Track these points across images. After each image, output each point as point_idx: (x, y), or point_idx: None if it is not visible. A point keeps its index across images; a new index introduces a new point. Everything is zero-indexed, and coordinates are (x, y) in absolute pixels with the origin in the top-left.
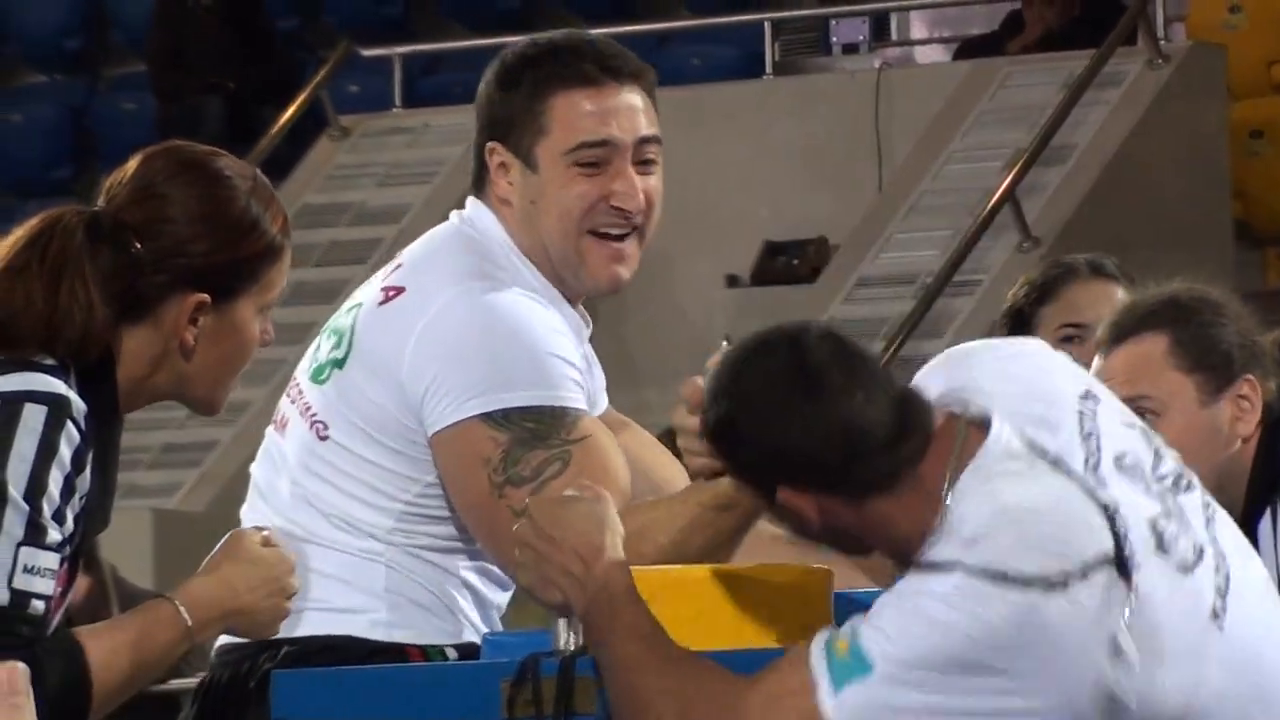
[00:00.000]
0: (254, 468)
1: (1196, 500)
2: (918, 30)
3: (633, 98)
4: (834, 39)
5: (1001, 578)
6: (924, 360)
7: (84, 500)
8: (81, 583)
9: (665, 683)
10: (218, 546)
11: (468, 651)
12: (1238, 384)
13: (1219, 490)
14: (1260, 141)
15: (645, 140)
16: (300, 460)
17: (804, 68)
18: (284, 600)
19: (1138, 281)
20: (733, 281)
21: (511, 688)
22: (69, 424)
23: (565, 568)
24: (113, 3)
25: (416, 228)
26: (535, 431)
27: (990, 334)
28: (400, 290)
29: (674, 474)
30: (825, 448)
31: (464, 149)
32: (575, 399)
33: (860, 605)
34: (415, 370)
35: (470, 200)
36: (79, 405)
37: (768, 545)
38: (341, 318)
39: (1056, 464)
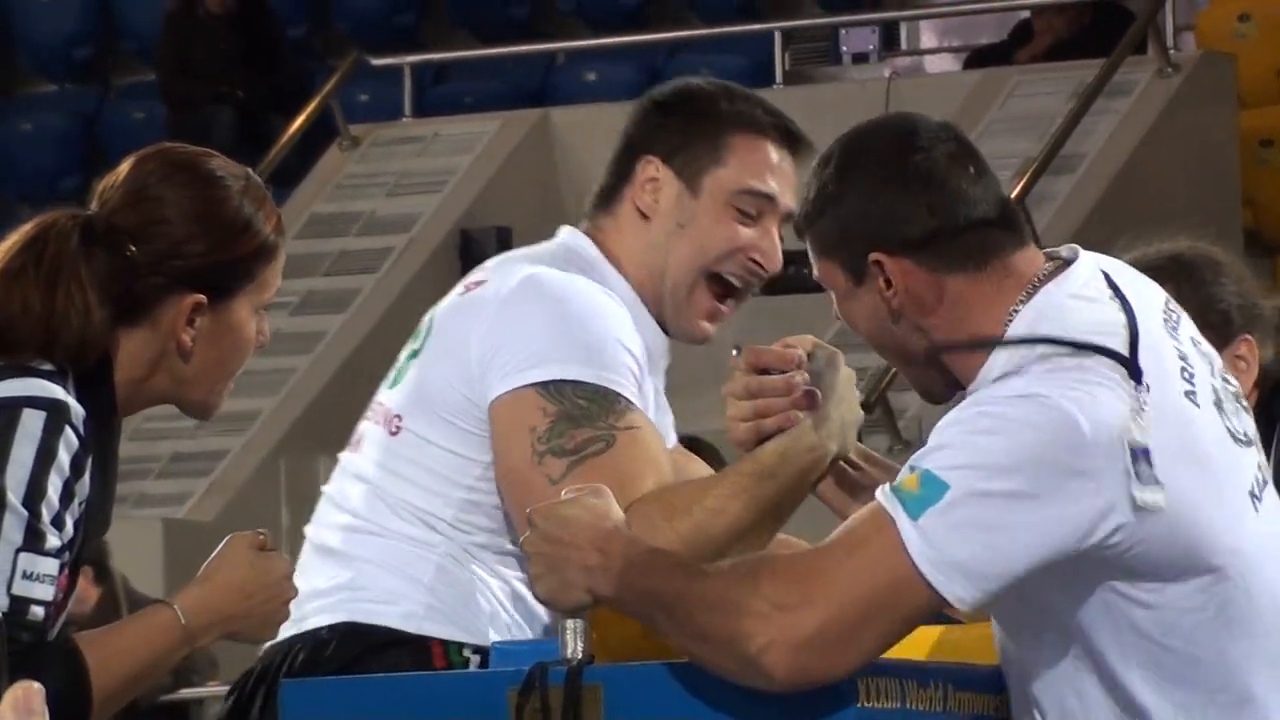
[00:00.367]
0: (326, 487)
1: (1249, 420)
2: (927, 40)
3: (794, 171)
4: (844, 48)
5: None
6: None
7: (83, 505)
8: (92, 592)
9: (740, 588)
10: (215, 552)
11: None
12: (1235, 344)
13: None
14: (1270, 150)
15: (789, 215)
16: (376, 461)
17: (814, 77)
18: (282, 604)
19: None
20: None
21: (519, 696)
22: (67, 429)
23: (582, 563)
24: (122, 12)
25: (426, 237)
26: (586, 410)
27: None
28: (481, 283)
29: None
30: (929, 200)
31: (474, 158)
32: (630, 388)
33: None
34: (484, 342)
35: (564, 228)
36: (77, 410)
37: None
38: (422, 322)
39: (1127, 310)
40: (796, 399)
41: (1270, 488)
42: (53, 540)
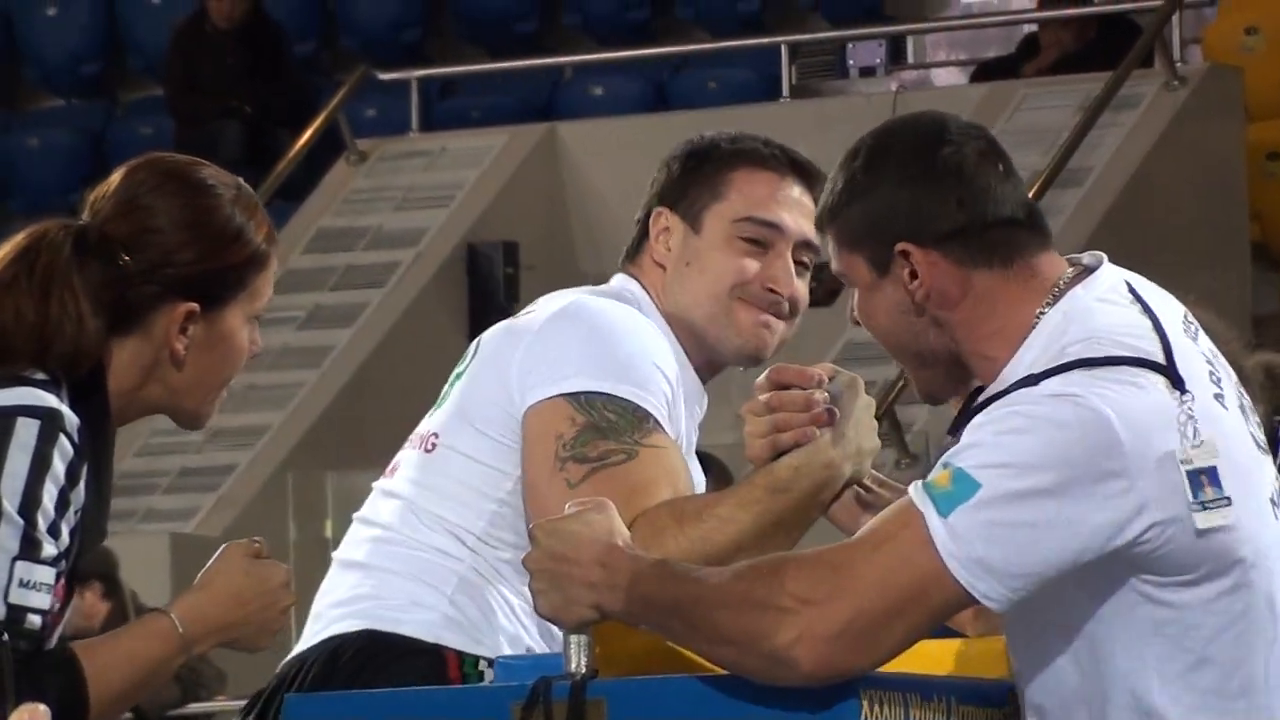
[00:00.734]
0: (357, 514)
1: (1261, 431)
2: (934, 53)
3: (807, 200)
4: (851, 62)
5: (1093, 366)
6: None
7: (79, 514)
8: (101, 606)
9: (764, 585)
10: (212, 560)
11: None
12: None
13: None
14: (1277, 163)
15: (807, 244)
16: (409, 478)
17: (821, 91)
18: (278, 612)
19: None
20: None
21: (523, 711)
22: (62, 438)
23: (586, 579)
24: (130, 27)
25: (433, 251)
26: (614, 424)
27: None
28: (530, 312)
29: None
30: (959, 194)
31: (481, 172)
32: (660, 409)
33: None
34: (524, 359)
35: (618, 275)
36: (71, 419)
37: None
38: (466, 351)
39: (1151, 316)
40: (815, 415)
41: None
42: (49, 549)
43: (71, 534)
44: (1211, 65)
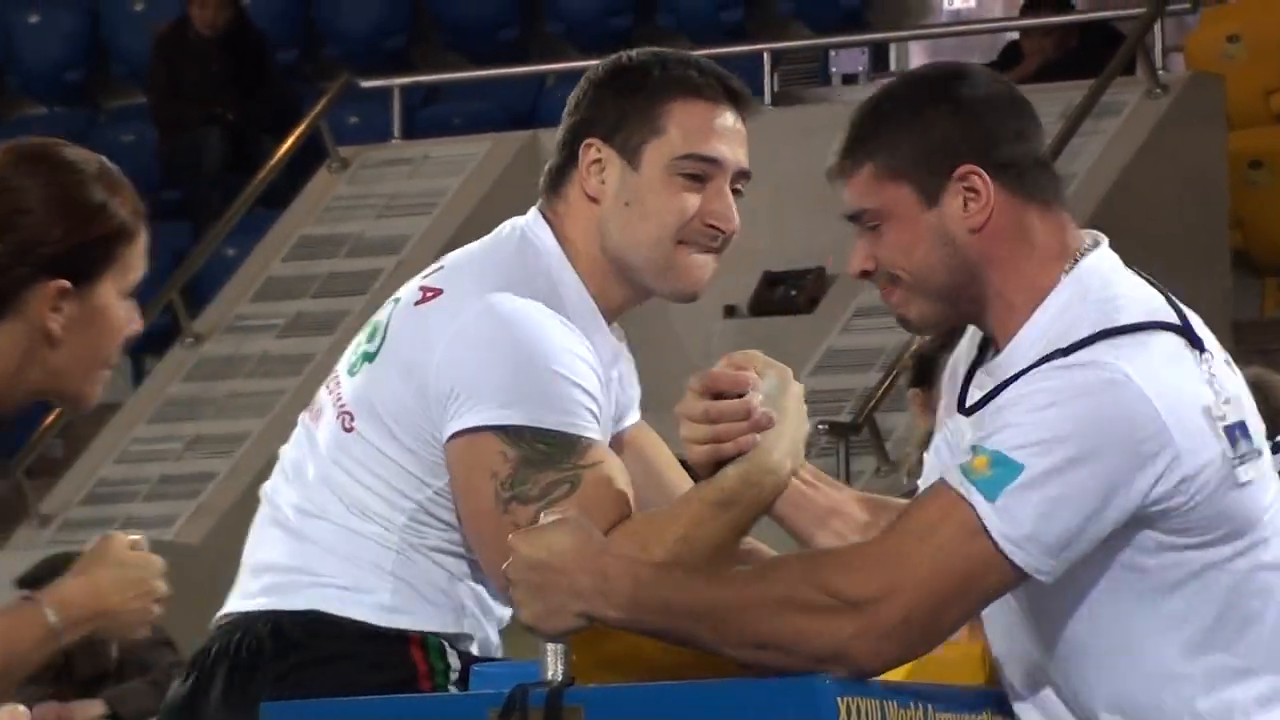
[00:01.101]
0: (284, 448)
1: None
2: (917, 60)
3: (741, 127)
4: (833, 69)
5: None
6: None
7: None
8: None
9: (801, 587)
10: (88, 548)
11: (468, 659)
12: None
13: None
14: (1259, 171)
15: (743, 173)
16: (327, 448)
17: (803, 98)
18: (150, 603)
19: None
20: (731, 312)
21: (499, 718)
22: None
23: (572, 587)
24: (112, 34)
25: (416, 259)
26: (547, 454)
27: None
28: (438, 292)
29: (685, 486)
30: (1018, 126)
31: (464, 179)
32: (589, 428)
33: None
34: (440, 375)
35: (532, 211)
36: None
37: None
38: (380, 312)
39: (1157, 288)
40: (755, 423)
41: None
42: None
43: None
44: (1193, 73)
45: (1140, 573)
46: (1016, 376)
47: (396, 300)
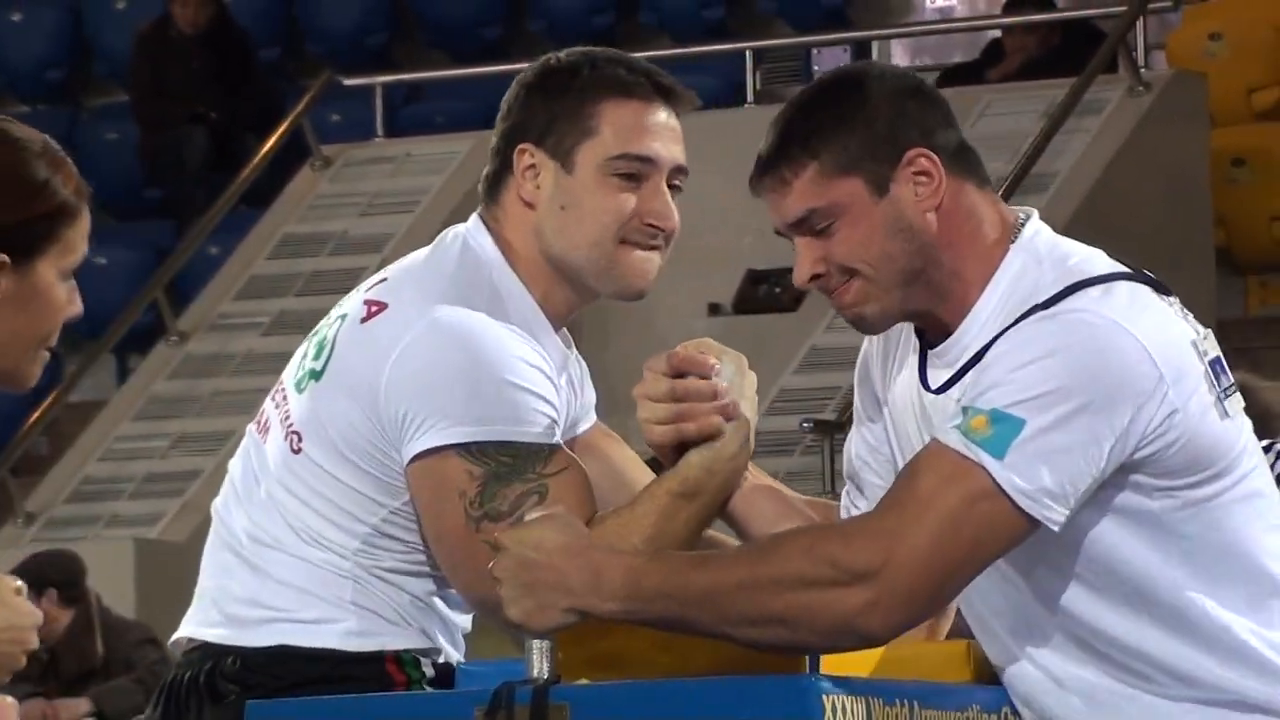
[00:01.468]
0: (232, 463)
1: None
2: (899, 58)
3: (675, 123)
4: (815, 67)
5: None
6: None
7: None
8: (59, 613)
9: (806, 562)
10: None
11: (444, 669)
12: None
13: None
14: (1241, 169)
15: (680, 169)
16: (275, 470)
17: (785, 96)
18: (20, 652)
19: None
20: (715, 310)
21: (485, 716)
22: None
23: (562, 583)
24: (95, 33)
25: (398, 257)
26: (512, 466)
27: None
28: (382, 306)
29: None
30: (943, 111)
31: (446, 178)
32: (548, 435)
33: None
34: (390, 395)
35: (473, 218)
36: None
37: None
38: (326, 327)
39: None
40: (722, 406)
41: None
42: None
43: None
44: (1176, 71)
45: (1144, 515)
46: (995, 340)
47: (343, 315)
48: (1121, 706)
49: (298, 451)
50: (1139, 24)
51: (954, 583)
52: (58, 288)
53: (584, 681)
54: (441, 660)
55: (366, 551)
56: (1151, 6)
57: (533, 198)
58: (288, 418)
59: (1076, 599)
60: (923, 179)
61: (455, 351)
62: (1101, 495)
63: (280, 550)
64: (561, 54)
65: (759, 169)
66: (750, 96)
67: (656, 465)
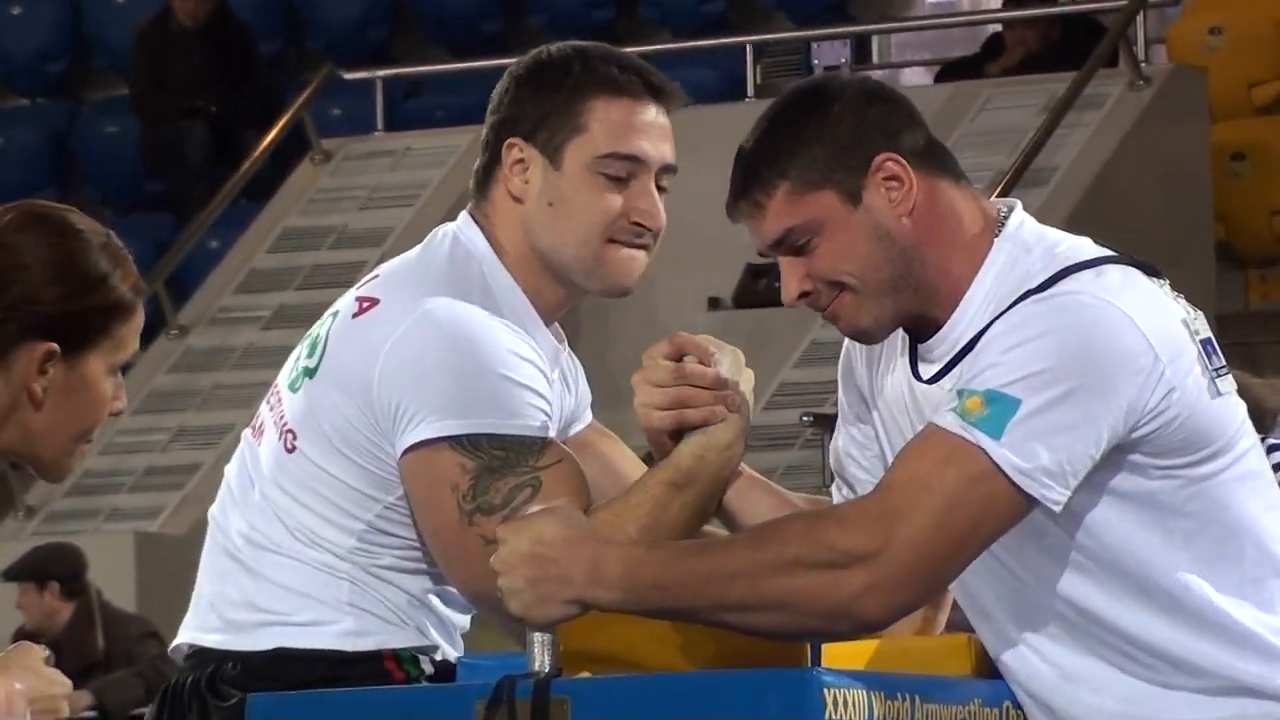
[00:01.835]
0: (228, 467)
1: None
2: (899, 53)
3: (665, 121)
4: (815, 61)
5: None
6: None
7: None
8: (61, 607)
9: (804, 546)
10: (8, 651)
11: (443, 666)
12: None
13: None
14: (1241, 163)
15: (668, 168)
16: (270, 470)
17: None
18: (52, 718)
19: None
20: (715, 304)
21: (486, 710)
22: None
23: (563, 575)
24: (95, 26)
25: (399, 251)
26: (505, 460)
27: None
28: (374, 302)
29: None
30: (907, 111)
31: (446, 172)
32: (542, 428)
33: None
34: (383, 388)
35: (463, 214)
36: None
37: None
38: (319, 325)
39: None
40: (724, 396)
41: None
42: None
43: None
44: (1176, 65)
45: (1144, 496)
46: (987, 328)
47: (335, 313)
48: (1119, 692)
49: (292, 450)
50: (1139, 18)
51: (953, 564)
52: (105, 382)
53: (585, 675)
54: (440, 658)
55: (363, 550)
56: (1152, 0)
57: (520, 192)
58: (282, 418)
59: (1076, 583)
60: (893, 184)
61: (447, 344)
62: (1101, 477)
63: (277, 553)
64: (553, 48)
65: (732, 196)
66: (750, 91)
67: (651, 461)
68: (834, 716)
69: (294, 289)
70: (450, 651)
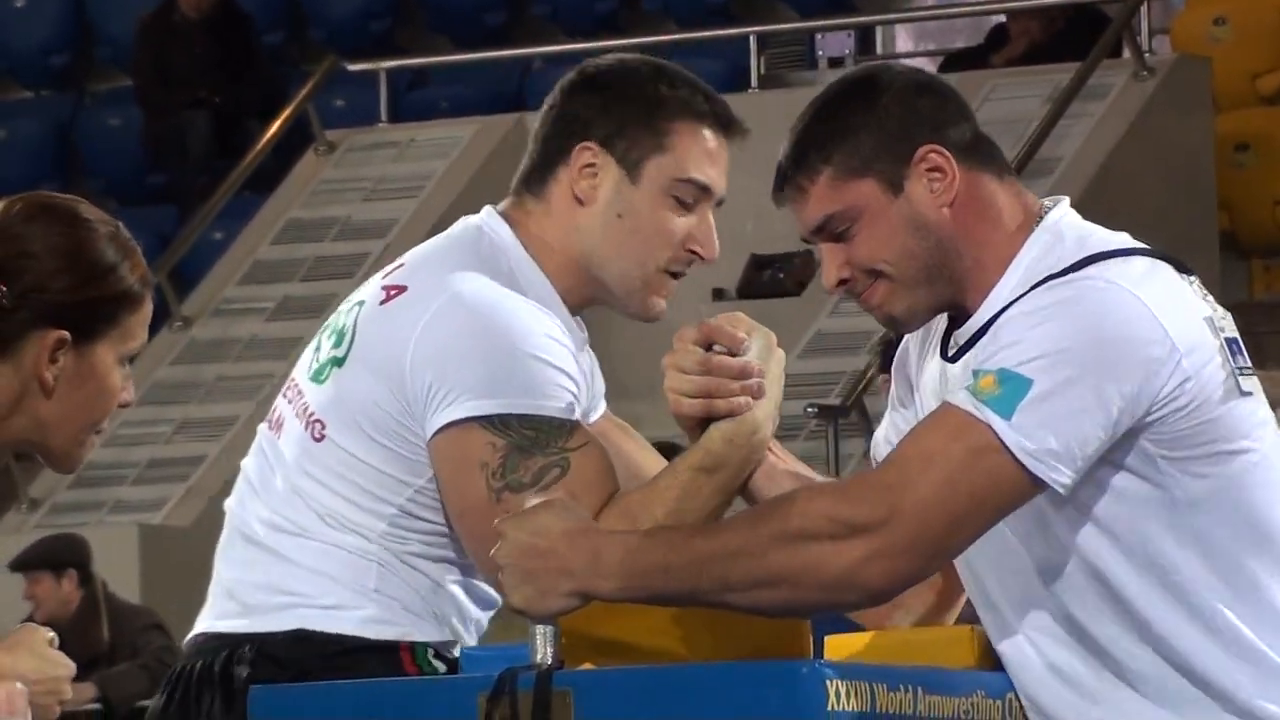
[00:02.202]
0: (245, 461)
1: None
2: (903, 43)
3: (727, 154)
4: (820, 52)
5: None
6: None
7: None
8: (74, 595)
9: (804, 519)
10: (13, 632)
11: (454, 662)
12: None
13: None
14: (1245, 154)
15: (720, 203)
16: (296, 460)
17: (790, 81)
18: (56, 703)
19: None
20: (719, 295)
21: (489, 702)
22: None
23: (564, 567)
24: (99, 18)
25: (403, 242)
26: (534, 440)
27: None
28: (401, 289)
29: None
30: (959, 106)
31: (450, 163)
32: (570, 410)
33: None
34: (415, 371)
35: (487, 209)
36: None
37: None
38: (342, 316)
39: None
40: (748, 386)
41: None
42: None
43: None
44: (1180, 56)
45: (1156, 488)
46: (1008, 308)
47: (360, 303)
48: (1107, 699)
49: (320, 439)
50: (1143, 8)
51: (955, 537)
52: (115, 373)
53: (587, 667)
54: (455, 655)
55: (392, 534)
56: None
57: (586, 196)
58: (306, 409)
59: (1078, 577)
60: (936, 175)
61: (477, 325)
62: (1110, 467)
63: (304, 536)
64: (628, 59)
65: (778, 180)
66: (754, 81)
67: (668, 453)
68: (836, 708)
69: (298, 280)
70: (468, 641)
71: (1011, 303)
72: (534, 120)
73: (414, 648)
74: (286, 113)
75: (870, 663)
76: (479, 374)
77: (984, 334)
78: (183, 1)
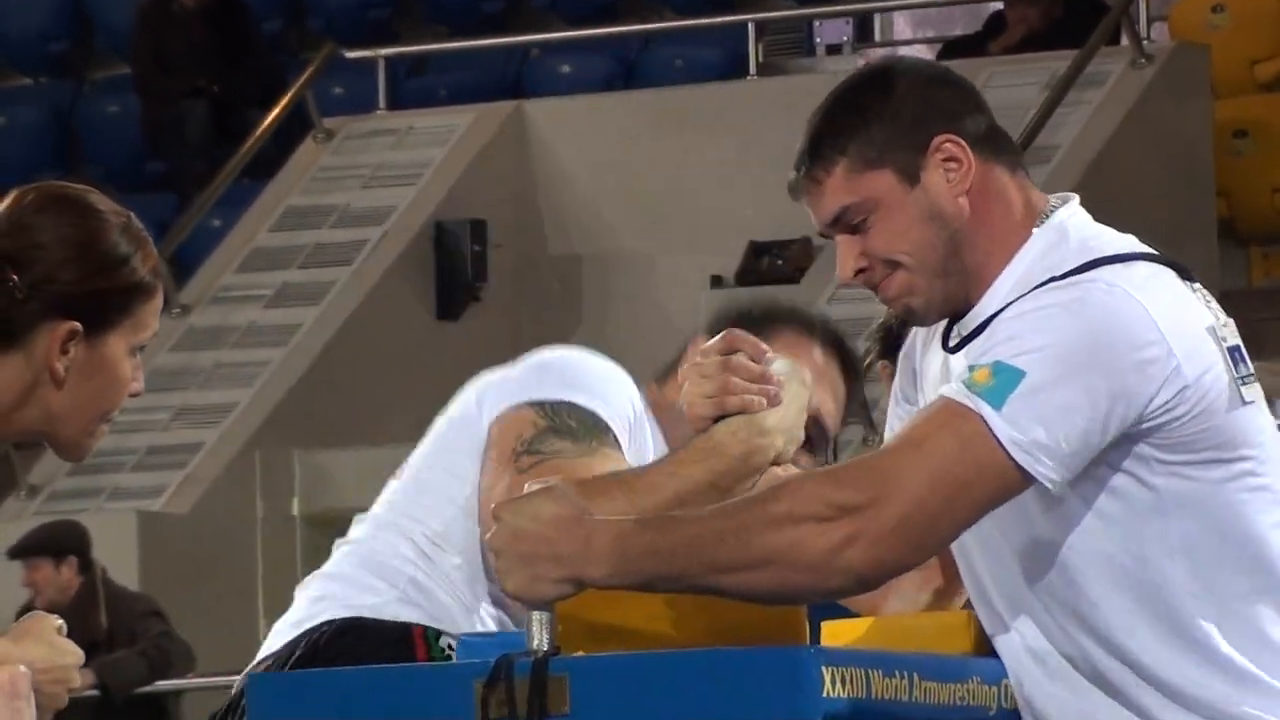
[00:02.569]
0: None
1: None
2: (901, 31)
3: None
4: (817, 40)
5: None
6: None
7: None
8: (74, 581)
9: (793, 501)
10: (22, 620)
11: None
12: None
13: None
14: (1243, 141)
15: None
16: (380, 501)
17: (787, 69)
18: (64, 690)
19: None
20: (717, 282)
21: (485, 688)
22: None
23: (557, 553)
24: (97, 6)
25: (401, 230)
26: (574, 429)
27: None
28: None
29: None
30: (974, 98)
31: (448, 150)
32: (621, 428)
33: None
34: (508, 374)
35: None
36: None
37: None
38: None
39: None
40: (765, 389)
41: None
42: None
43: None
44: (1178, 43)
45: (1149, 491)
46: (1007, 306)
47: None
48: (1088, 702)
49: (399, 475)
50: None
51: (940, 526)
52: (125, 363)
53: (584, 653)
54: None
55: (440, 540)
56: None
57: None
58: (404, 469)
59: (1065, 576)
60: (952, 165)
61: (558, 356)
62: (1103, 468)
63: (358, 549)
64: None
65: (794, 173)
66: (752, 69)
67: None
68: (832, 694)
69: (296, 268)
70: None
71: (1011, 302)
72: (532, 108)
73: (426, 630)
74: (285, 100)
75: (866, 648)
76: (546, 373)
77: (983, 330)
78: None
